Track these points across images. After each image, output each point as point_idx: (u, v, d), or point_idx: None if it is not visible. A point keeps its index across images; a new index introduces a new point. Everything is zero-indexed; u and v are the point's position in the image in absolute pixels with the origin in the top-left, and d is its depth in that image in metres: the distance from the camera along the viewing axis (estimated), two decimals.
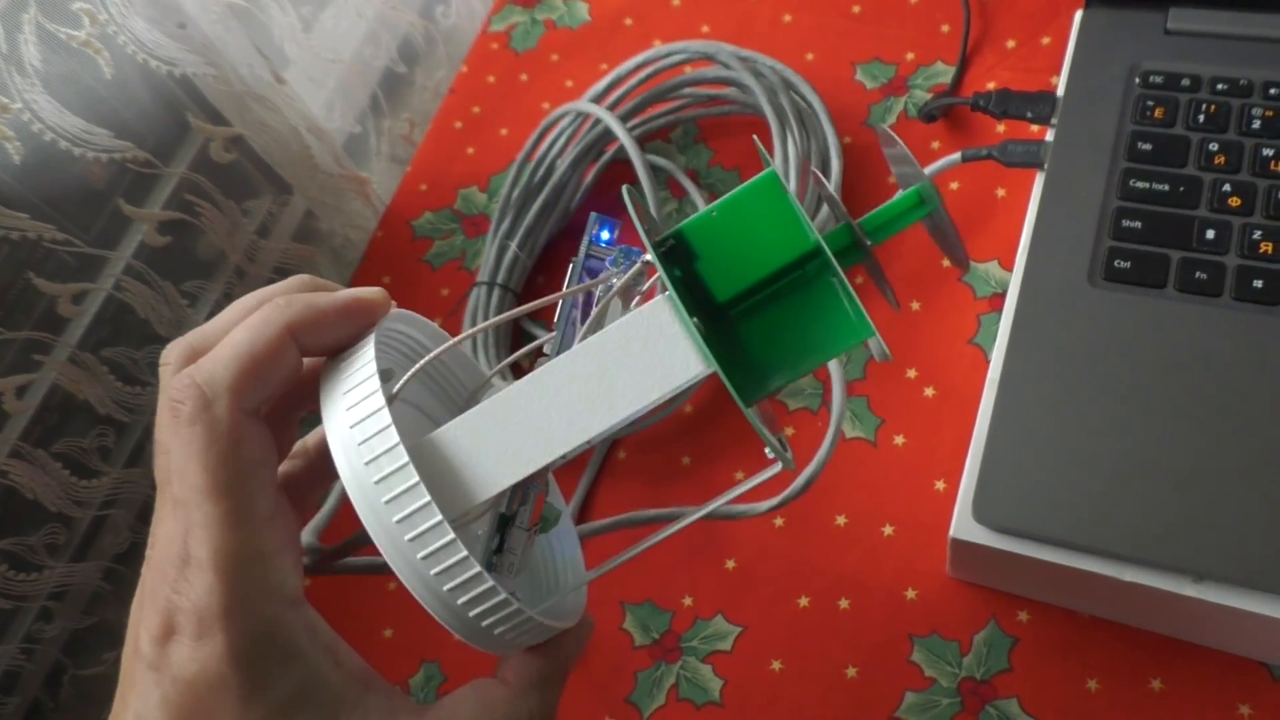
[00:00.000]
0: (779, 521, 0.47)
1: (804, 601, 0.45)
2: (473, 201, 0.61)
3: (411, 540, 0.25)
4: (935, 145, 0.54)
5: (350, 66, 0.65)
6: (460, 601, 0.26)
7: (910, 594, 0.45)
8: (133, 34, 0.47)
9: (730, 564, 0.47)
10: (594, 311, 0.31)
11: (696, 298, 0.27)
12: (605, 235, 0.35)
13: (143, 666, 0.26)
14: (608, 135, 0.56)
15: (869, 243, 0.28)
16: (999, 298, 0.49)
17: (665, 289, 0.26)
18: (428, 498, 0.25)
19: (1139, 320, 0.40)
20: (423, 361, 0.29)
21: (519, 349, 0.55)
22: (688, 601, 0.47)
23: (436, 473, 0.27)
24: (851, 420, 0.49)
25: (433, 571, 0.25)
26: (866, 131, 0.56)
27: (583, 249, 0.34)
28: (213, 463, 0.26)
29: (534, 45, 0.66)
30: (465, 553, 0.25)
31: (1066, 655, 0.42)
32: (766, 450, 0.27)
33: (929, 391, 0.49)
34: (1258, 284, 0.40)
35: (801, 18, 0.61)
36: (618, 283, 0.30)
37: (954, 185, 0.53)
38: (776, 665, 0.44)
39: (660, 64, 0.57)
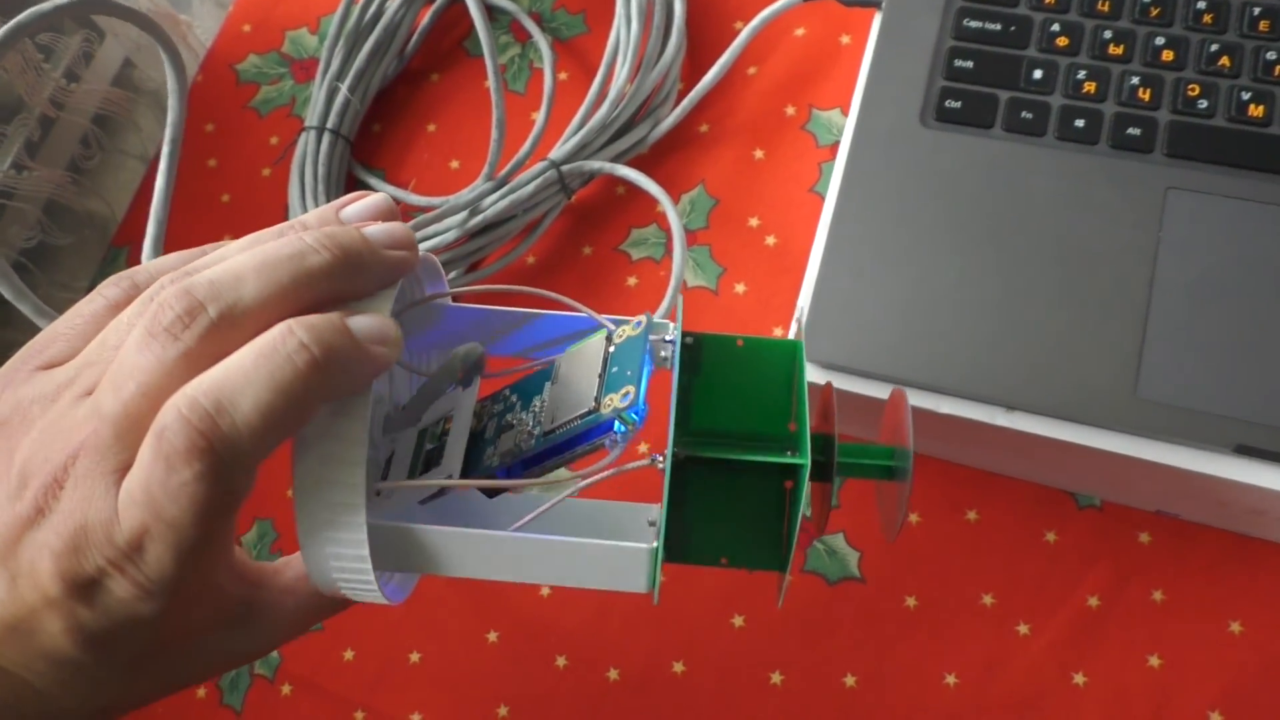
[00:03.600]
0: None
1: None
2: (302, 44, 0.57)
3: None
4: None
5: None
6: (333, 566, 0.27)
7: None
8: None
9: None
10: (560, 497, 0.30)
11: (682, 409, 0.28)
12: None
13: (44, 595, 0.24)
14: None
15: (835, 474, 0.29)
16: (840, 146, 0.49)
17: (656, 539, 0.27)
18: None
19: (967, 160, 0.41)
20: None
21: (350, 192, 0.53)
22: None
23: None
24: (694, 269, 0.48)
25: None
26: None
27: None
28: (210, 520, 0.24)
29: None
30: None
31: None
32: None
33: (770, 240, 0.48)
34: (1079, 123, 0.41)
35: None
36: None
37: (799, 31, 0.52)
38: None
39: None
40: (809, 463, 0.27)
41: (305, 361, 0.24)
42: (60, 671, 0.26)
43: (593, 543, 0.27)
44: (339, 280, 0.26)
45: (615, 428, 0.28)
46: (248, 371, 0.24)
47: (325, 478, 0.25)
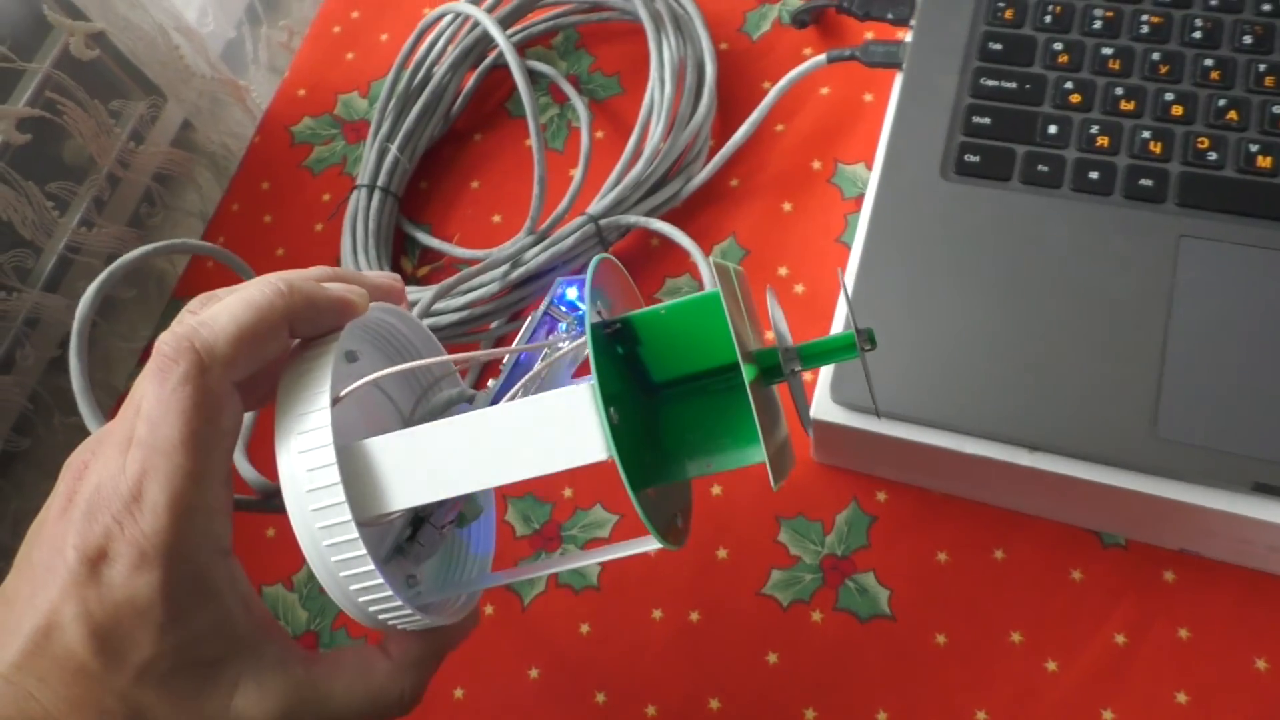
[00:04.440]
0: None
1: None
2: (353, 107, 0.60)
3: (322, 528, 0.28)
4: (807, 51, 0.56)
5: None
6: (353, 589, 0.29)
7: None
8: None
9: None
10: (536, 367, 0.34)
11: (635, 372, 0.31)
12: (571, 294, 0.37)
13: (65, 576, 0.27)
14: (488, 39, 0.56)
15: (797, 367, 0.31)
16: (864, 198, 0.51)
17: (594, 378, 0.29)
18: (343, 498, 0.28)
19: (986, 211, 0.43)
20: (365, 380, 0.31)
21: (399, 252, 0.56)
22: (568, 493, 0.48)
23: (356, 475, 0.29)
24: None
25: (334, 559, 0.28)
26: (741, 37, 0.57)
27: (543, 306, 0.37)
28: (195, 424, 0.28)
29: None
30: (364, 551, 0.28)
31: (919, 531, 0.45)
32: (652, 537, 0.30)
33: (799, 289, 0.50)
34: (1094, 175, 0.42)
35: None
36: (564, 348, 0.34)
37: (824, 90, 0.54)
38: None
39: None
40: (739, 357, 0.29)
41: (273, 289, 0.29)
42: (71, 687, 0.27)
43: (528, 401, 0.29)
44: (299, 316, 0.30)
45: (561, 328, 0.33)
46: (228, 302, 0.29)
47: (293, 428, 0.28)
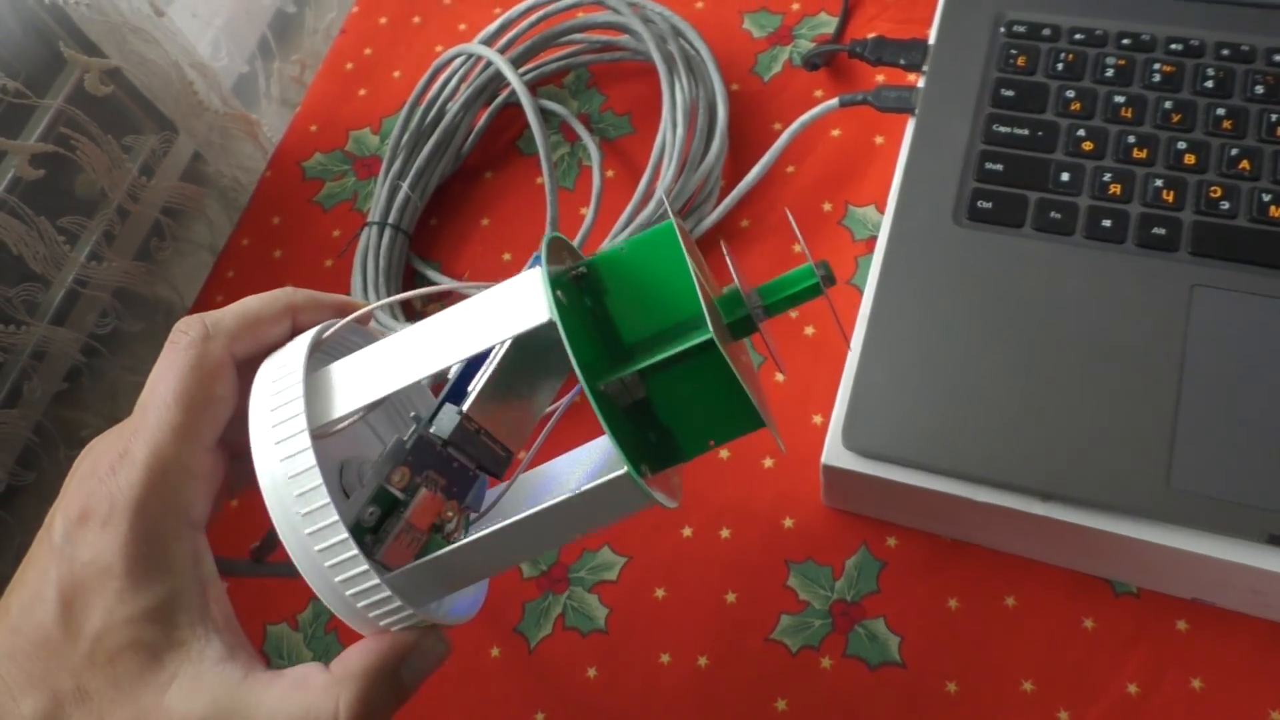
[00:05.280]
0: None
1: (687, 531, 0.47)
2: (365, 143, 0.61)
3: (297, 496, 0.27)
4: (818, 94, 0.56)
5: (238, 5, 0.64)
6: (318, 549, 0.28)
7: (788, 523, 0.46)
8: None
9: None
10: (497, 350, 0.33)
11: (607, 337, 0.30)
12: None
13: (49, 547, 0.28)
14: (500, 79, 0.56)
15: (761, 313, 0.30)
16: (875, 240, 0.51)
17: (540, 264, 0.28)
18: (313, 463, 0.27)
19: (999, 257, 0.43)
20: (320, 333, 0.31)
21: (410, 289, 0.56)
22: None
23: (314, 397, 0.29)
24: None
25: (299, 509, 0.27)
26: (753, 79, 0.57)
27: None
28: (188, 382, 0.29)
29: None
30: (330, 502, 0.27)
31: (930, 577, 0.44)
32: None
33: (809, 330, 0.50)
34: (1106, 223, 0.42)
35: None
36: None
37: (835, 133, 0.55)
38: (660, 593, 0.46)
39: (552, 8, 0.57)
40: (713, 334, 0.28)
41: (280, 288, 0.32)
42: (34, 661, 0.27)
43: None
44: (301, 307, 0.32)
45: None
46: (241, 299, 0.32)
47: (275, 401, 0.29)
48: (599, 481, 0.28)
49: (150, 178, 0.58)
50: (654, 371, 0.29)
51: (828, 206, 0.53)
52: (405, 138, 0.55)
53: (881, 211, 0.52)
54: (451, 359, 0.28)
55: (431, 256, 0.57)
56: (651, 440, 0.30)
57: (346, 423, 0.29)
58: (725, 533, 0.47)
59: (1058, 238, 0.43)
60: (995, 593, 0.44)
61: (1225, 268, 0.41)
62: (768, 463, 0.48)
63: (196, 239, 0.62)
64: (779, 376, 0.49)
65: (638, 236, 0.30)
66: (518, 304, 0.28)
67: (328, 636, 0.48)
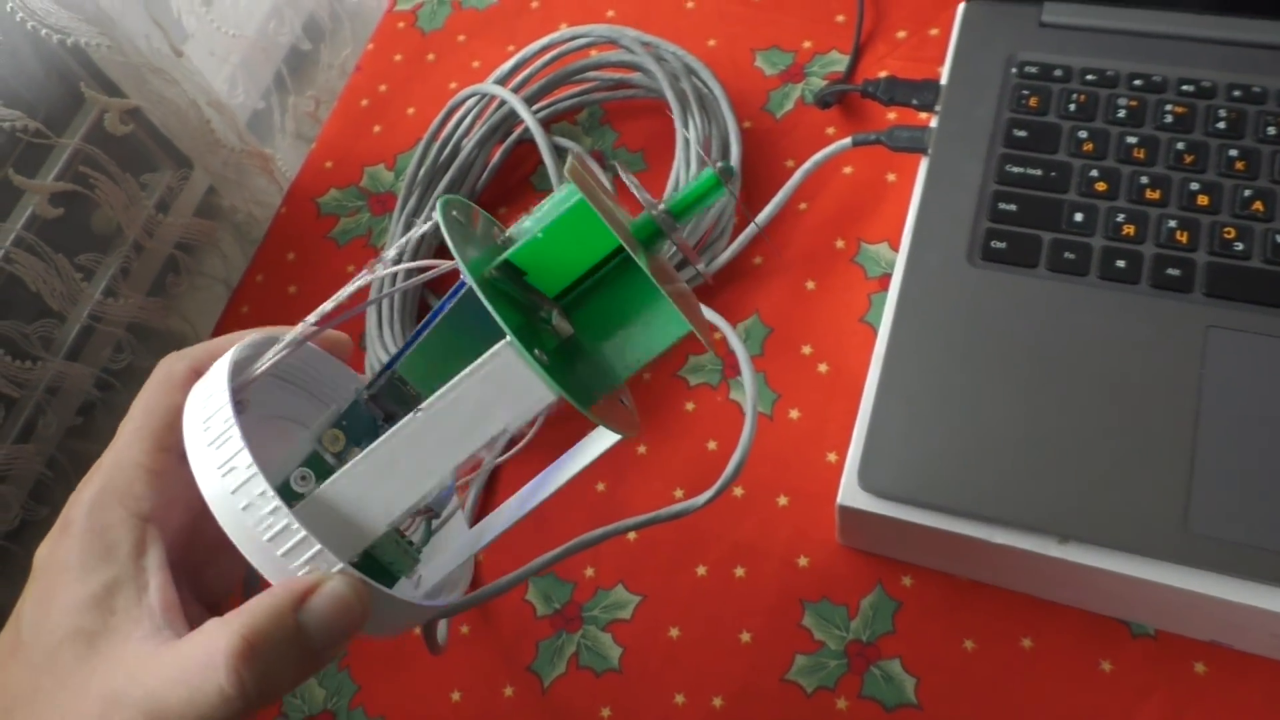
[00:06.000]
0: (679, 493, 0.49)
1: (702, 570, 0.47)
2: (379, 179, 0.61)
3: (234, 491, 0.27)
4: (830, 131, 0.56)
5: (254, 43, 0.64)
6: (230, 490, 0.27)
7: (802, 562, 0.46)
8: (22, 1, 0.46)
9: (632, 535, 0.48)
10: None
11: (528, 292, 0.30)
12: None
13: (34, 567, 0.30)
14: (514, 116, 0.57)
15: (675, 224, 0.30)
16: (888, 278, 0.51)
17: (506, 335, 0.28)
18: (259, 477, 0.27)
19: (1013, 298, 0.43)
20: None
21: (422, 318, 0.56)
22: (589, 572, 0.48)
23: (326, 524, 0.28)
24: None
25: (210, 444, 0.28)
26: (765, 116, 0.58)
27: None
28: (149, 393, 0.31)
29: (441, 25, 0.66)
30: (237, 435, 0.28)
31: (946, 617, 0.44)
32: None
33: (822, 368, 0.50)
34: (1120, 264, 0.43)
35: (704, 4, 0.63)
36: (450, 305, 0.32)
37: (847, 170, 0.55)
38: (674, 632, 0.46)
39: (565, 47, 0.57)
40: (620, 241, 0.28)
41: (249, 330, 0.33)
42: (3, 671, 0.29)
43: (454, 384, 0.28)
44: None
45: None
46: None
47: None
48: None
49: (166, 213, 0.58)
50: (576, 307, 0.30)
51: (840, 243, 0.53)
52: (420, 174, 0.56)
53: (895, 249, 0.52)
54: (464, 454, 0.29)
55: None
56: (582, 372, 0.30)
57: (265, 365, 0.31)
58: (740, 571, 0.47)
59: (1072, 278, 0.43)
60: (1012, 634, 0.43)
61: (1240, 309, 0.41)
62: (782, 501, 0.48)
63: (211, 273, 0.62)
64: (784, 412, 0.49)
65: (551, 221, 0.29)
66: (511, 387, 0.28)
67: (340, 675, 0.47)
